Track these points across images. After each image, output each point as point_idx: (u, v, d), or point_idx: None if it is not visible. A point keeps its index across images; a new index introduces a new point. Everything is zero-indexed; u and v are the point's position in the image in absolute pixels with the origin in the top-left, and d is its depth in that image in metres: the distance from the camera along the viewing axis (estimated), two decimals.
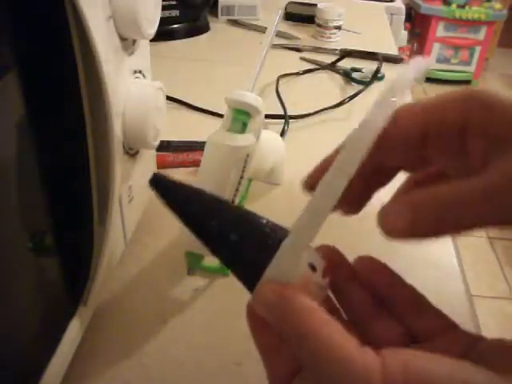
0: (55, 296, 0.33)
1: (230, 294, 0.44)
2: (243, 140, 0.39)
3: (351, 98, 0.76)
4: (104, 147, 0.32)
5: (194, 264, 0.42)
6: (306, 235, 0.21)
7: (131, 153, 0.39)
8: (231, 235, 0.23)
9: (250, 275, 0.22)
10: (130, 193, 0.41)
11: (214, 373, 0.38)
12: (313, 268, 0.22)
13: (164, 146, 0.58)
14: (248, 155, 0.39)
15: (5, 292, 0.26)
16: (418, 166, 0.25)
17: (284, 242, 0.22)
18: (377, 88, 0.82)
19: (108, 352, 0.38)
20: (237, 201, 0.41)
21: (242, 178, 0.40)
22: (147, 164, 0.46)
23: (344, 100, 0.75)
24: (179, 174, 0.58)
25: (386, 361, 0.19)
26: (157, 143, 0.40)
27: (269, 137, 0.56)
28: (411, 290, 0.25)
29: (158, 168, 0.52)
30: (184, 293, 0.44)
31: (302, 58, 0.92)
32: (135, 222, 0.45)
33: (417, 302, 0.25)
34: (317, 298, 0.22)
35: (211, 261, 0.44)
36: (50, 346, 0.32)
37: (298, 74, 0.85)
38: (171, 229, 0.50)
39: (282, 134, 0.67)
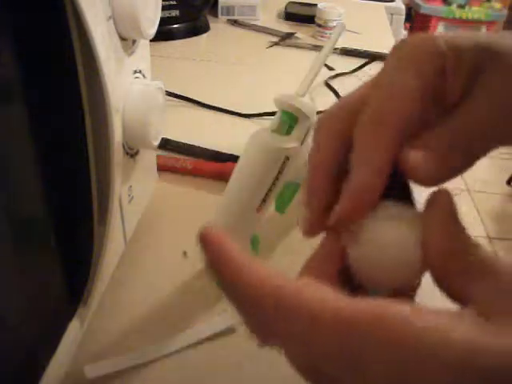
0: (55, 296, 0.33)
1: None
2: (283, 142, 0.39)
3: None
4: (104, 147, 0.32)
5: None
6: None
7: (131, 153, 0.39)
8: None
9: None
10: (130, 193, 0.41)
11: (214, 373, 0.38)
12: None
13: (161, 145, 0.57)
14: (288, 158, 0.39)
15: (5, 292, 0.26)
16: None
17: None
18: None
19: (107, 352, 0.38)
20: (270, 201, 0.40)
21: (277, 179, 0.39)
22: (147, 164, 0.46)
23: None
24: (177, 181, 0.57)
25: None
26: (157, 143, 0.40)
27: None
28: None
29: (159, 170, 0.52)
30: (184, 293, 0.44)
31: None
32: (135, 221, 0.45)
33: None
34: None
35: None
36: (50, 345, 0.32)
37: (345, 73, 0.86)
38: (171, 229, 0.50)
39: None
